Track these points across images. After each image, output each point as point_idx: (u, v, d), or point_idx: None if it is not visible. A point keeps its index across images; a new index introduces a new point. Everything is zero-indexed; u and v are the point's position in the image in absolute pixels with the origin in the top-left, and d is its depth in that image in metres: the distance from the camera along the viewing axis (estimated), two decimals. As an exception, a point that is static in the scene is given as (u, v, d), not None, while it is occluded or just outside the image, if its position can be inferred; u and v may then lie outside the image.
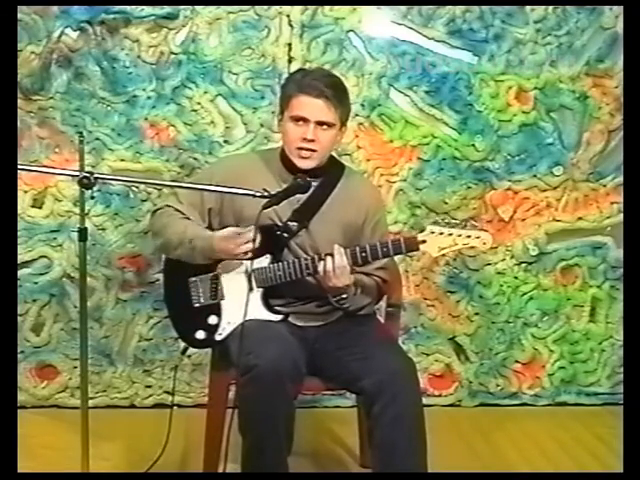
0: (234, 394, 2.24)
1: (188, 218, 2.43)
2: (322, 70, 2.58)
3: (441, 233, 2.21)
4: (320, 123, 2.31)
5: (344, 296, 2.35)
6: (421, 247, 2.23)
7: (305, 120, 2.30)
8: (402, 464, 2.17)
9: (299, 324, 2.42)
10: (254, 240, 2.20)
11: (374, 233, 2.45)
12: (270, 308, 2.39)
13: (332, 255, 2.25)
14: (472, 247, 2.24)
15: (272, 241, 2.36)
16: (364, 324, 2.44)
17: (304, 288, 2.40)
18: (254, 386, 2.11)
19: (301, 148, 2.32)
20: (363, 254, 2.27)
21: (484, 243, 2.22)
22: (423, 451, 2.21)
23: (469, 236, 2.21)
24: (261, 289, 2.37)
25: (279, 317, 2.39)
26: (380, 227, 2.50)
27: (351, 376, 2.24)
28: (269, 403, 2.12)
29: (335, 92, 2.32)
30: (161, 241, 2.46)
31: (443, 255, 2.31)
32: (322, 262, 2.26)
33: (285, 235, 2.38)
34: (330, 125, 2.33)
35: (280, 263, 2.35)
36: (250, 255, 2.28)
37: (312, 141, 2.31)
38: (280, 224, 2.38)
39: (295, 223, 2.38)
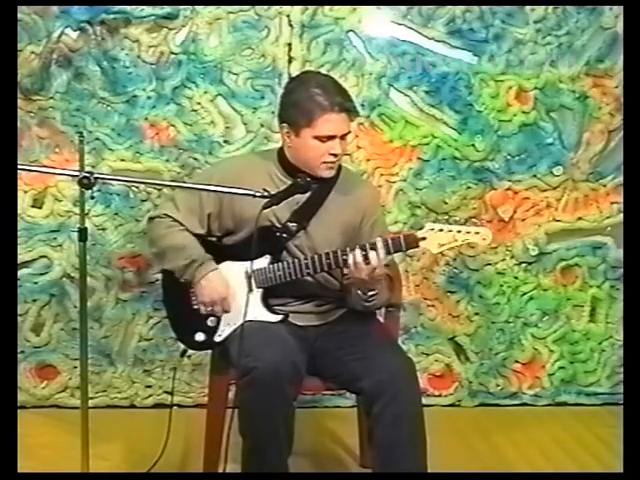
0: (234, 394, 2.24)
1: (187, 229, 2.41)
2: (331, 79, 2.43)
3: (440, 230, 2.22)
4: (343, 135, 2.32)
5: (375, 291, 2.32)
6: (421, 244, 2.23)
7: (332, 137, 2.30)
8: (402, 464, 2.17)
9: (299, 324, 2.42)
10: (254, 257, 2.26)
11: (373, 232, 2.44)
12: (270, 308, 2.39)
13: (374, 246, 2.21)
14: (472, 243, 2.25)
15: (271, 242, 2.36)
16: (364, 324, 2.44)
17: (304, 288, 2.40)
18: (253, 388, 2.12)
19: (326, 162, 2.32)
20: (362, 252, 2.27)
21: (484, 239, 2.22)
22: (423, 451, 2.21)
23: (469, 232, 2.21)
24: (261, 289, 2.37)
25: (279, 317, 2.39)
26: (379, 226, 2.49)
27: (351, 376, 2.25)
28: (268, 405, 2.12)
29: (351, 102, 2.33)
30: (156, 251, 2.48)
31: (442, 253, 2.31)
32: (353, 254, 2.22)
33: (284, 236, 2.38)
34: (349, 133, 2.36)
35: (280, 263, 2.35)
36: (217, 314, 2.36)
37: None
38: (279, 225, 2.38)
39: (294, 224, 2.38)
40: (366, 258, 2.21)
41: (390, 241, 2.26)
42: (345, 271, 2.38)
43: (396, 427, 2.15)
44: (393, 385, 2.16)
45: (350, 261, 2.23)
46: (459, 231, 2.22)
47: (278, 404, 2.13)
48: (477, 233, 2.22)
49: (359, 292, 2.33)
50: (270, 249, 2.36)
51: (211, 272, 2.35)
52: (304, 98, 2.30)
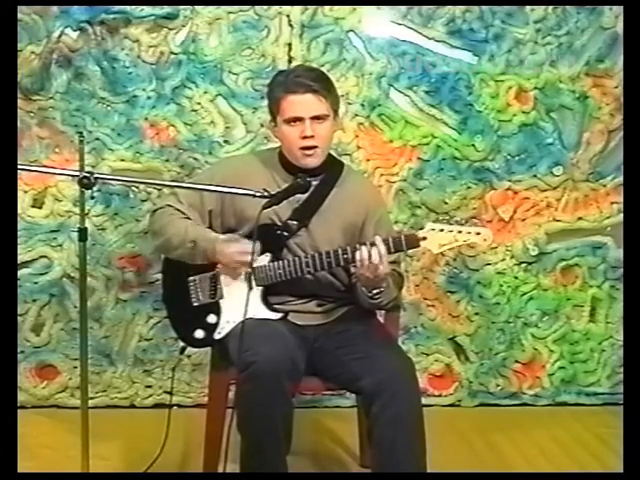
0: (234, 394, 2.24)
1: (189, 218, 2.42)
2: (302, 66, 2.65)
3: (441, 230, 2.22)
4: (315, 118, 2.31)
5: (381, 289, 2.31)
6: (422, 244, 2.23)
7: (300, 119, 2.30)
8: (401, 463, 2.17)
9: (299, 323, 2.42)
10: (253, 253, 2.21)
11: (378, 231, 2.40)
12: (269, 306, 2.39)
13: (373, 244, 2.22)
14: (472, 243, 2.24)
15: (272, 240, 2.36)
16: (364, 324, 2.44)
17: (304, 287, 2.40)
18: (252, 383, 2.12)
19: (303, 147, 2.32)
20: (367, 250, 2.26)
21: (484, 239, 2.22)
22: (422, 451, 2.21)
23: (469, 232, 2.21)
24: (261, 287, 2.38)
25: (278, 315, 2.39)
26: (383, 225, 2.48)
27: (350, 376, 2.24)
28: (267, 400, 2.12)
29: (321, 84, 2.32)
30: (161, 241, 2.46)
31: (443, 253, 2.31)
32: (359, 252, 2.22)
33: (285, 234, 2.38)
34: (324, 117, 2.33)
35: (280, 261, 2.35)
36: (248, 265, 2.30)
37: (312, 137, 2.31)
38: (280, 223, 2.38)
39: (295, 222, 2.38)
40: (369, 256, 2.21)
41: (391, 240, 2.26)
42: (352, 270, 2.38)
43: (395, 427, 2.15)
44: (392, 385, 2.16)
45: (358, 258, 2.22)
46: (460, 231, 2.21)
47: (276, 399, 2.13)
48: (478, 234, 2.21)
49: (364, 290, 2.32)
50: (271, 247, 2.36)
51: (216, 244, 2.34)
52: (273, 85, 2.38)
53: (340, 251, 2.28)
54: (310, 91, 2.29)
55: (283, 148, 2.41)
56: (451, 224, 2.22)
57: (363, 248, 2.22)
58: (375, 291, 2.32)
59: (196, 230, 2.39)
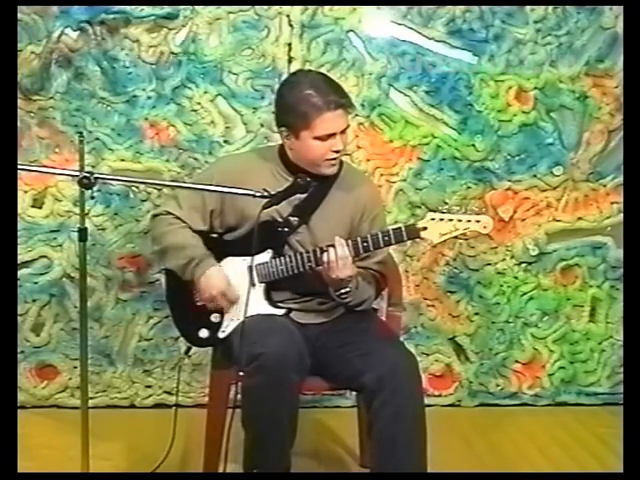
0: (239, 388, 2.23)
1: (190, 227, 2.42)
2: (322, 78, 2.37)
3: (441, 219, 2.22)
4: (343, 130, 2.31)
5: (347, 289, 2.34)
6: (422, 234, 2.24)
7: (332, 135, 2.29)
8: (401, 460, 2.17)
9: (301, 321, 2.42)
10: (254, 253, 2.26)
11: (372, 228, 2.44)
12: (272, 303, 2.40)
13: (334, 246, 2.25)
14: (473, 231, 2.24)
15: (273, 236, 2.37)
16: (365, 321, 2.45)
17: (306, 284, 2.41)
18: (260, 374, 2.12)
19: (329, 159, 2.33)
20: (365, 244, 2.27)
21: (485, 227, 2.22)
22: (423, 447, 2.21)
23: (469, 220, 2.22)
24: (263, 284, 2.38)
25: (282, 311, 2.39)
26: (378, 221, 2.49)
27: (353, 372, 2.25)
28: (274, 392, 2.12)
29: (345, 97, 2.31)
30: (158, 248, 2.49)
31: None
32: (325, 253, 2.25)
33: (286, 230, 2.39)
34: (348, 127, 2.35)
35: (282, 258, 2.36)
36: (220, 309, 2.37)
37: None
38: (281, 219, 2.38)
39: (296, 218, 2.39)
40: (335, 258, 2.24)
41: (392, 232, 2.27)
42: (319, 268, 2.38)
43: (396, 422, 2.16)
44: (393, 380, 2.17)
45: (324, 260, 2.25)
46: (460, 220, 2.22)
47: (284, 392, 2.14)
48: (478, 221, 2.22)
49: (330, 289, 2.35)
50: (272, 244, 2.37)
51: (209, 269, 2.36)
52: (298, 100, 2.29)
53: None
54: (340, 107, 2.28)
55: (302, 159, 2.36)
56: (451, 213, 2.23)
57: (330, 250, 2.25)
58: (339, 292, 2.34)
59: (193, 250, 2.39)
